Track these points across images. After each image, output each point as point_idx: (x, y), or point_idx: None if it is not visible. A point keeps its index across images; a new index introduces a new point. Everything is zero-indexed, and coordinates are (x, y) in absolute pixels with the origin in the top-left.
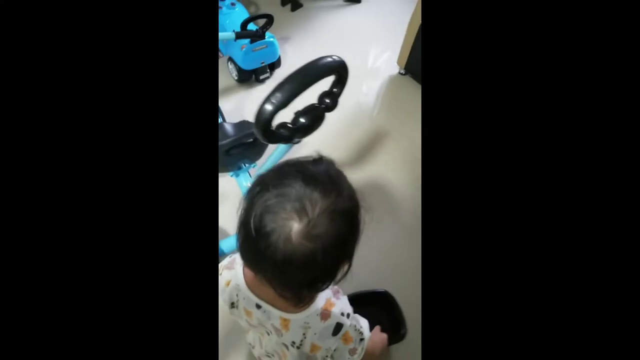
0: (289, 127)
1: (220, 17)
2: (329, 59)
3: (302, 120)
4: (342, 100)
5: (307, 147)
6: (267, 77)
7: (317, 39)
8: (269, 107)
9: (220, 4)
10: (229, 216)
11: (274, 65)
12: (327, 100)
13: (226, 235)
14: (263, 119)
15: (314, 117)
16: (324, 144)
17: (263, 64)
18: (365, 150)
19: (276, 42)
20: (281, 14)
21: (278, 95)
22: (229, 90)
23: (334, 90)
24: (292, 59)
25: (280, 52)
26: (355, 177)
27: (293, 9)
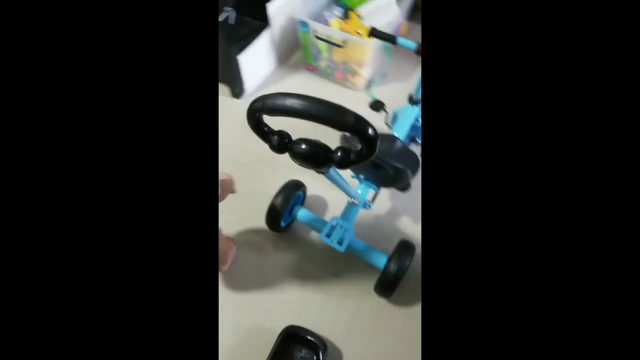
0: (284, 140)
1: None
2: (350, 114)
3: (302, 146)
4: None
5: None
6: None
7: None
8: (258, 102)
9: None
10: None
11: None
12: (338, 154)
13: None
14: (250, 108)
15: (313, 154)
16: None
17: None
18: None
19: None
20: None
21: (277, 99)
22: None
23: (351, 151)
24: None
25: None
26: None
27: None
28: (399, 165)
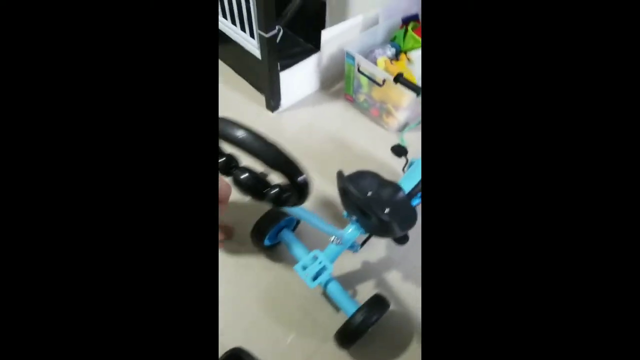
0: (230, 164)
1: None
2: (283, 156)
3: (243, 175)
4: None
5: None
6: None
7: None
8: None
9: None
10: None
11: None
12: (272, 192)
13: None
14: None
15: (252, 185)
16: None
17: None
18: None
19: None
20: None
21: (221, 124)
22: None
23: (284, 192)
24: None
25: None
26: None
27: None
28: (385, 218)
